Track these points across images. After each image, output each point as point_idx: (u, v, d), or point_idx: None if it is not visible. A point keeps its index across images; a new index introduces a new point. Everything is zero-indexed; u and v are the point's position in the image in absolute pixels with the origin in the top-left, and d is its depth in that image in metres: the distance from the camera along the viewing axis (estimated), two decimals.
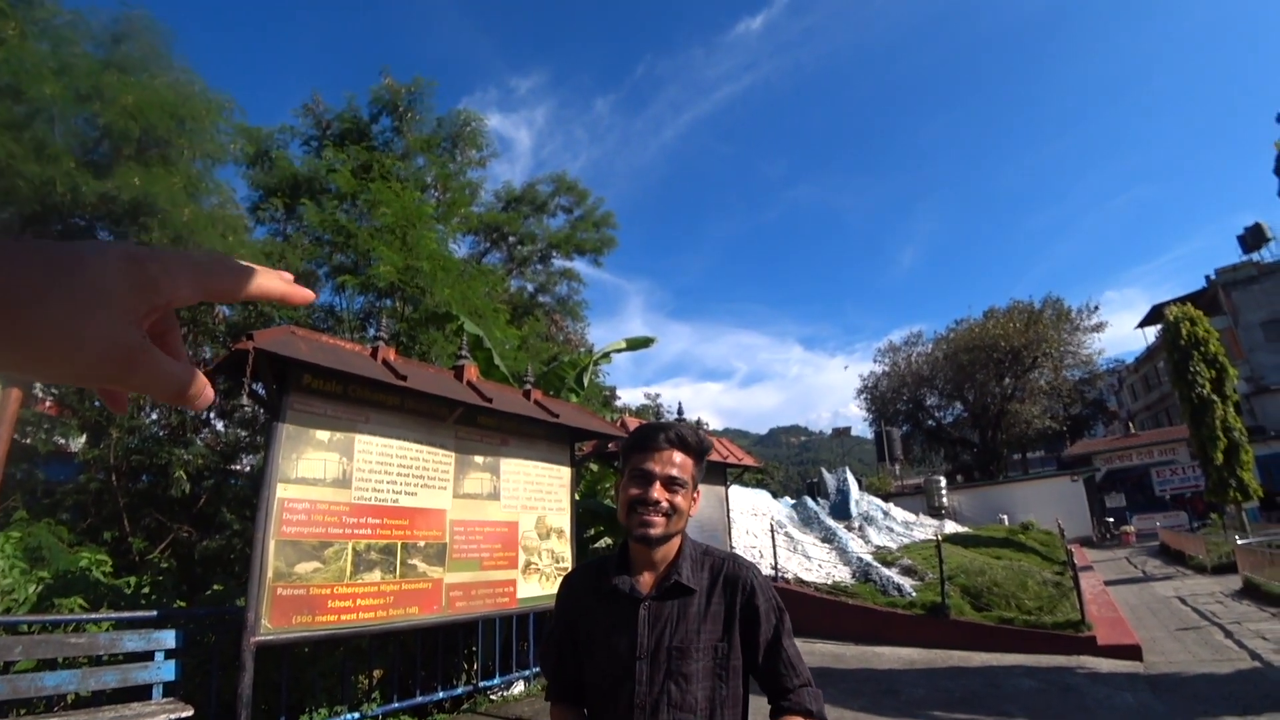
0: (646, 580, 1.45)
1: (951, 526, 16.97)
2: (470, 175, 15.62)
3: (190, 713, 3.60)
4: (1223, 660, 7.62)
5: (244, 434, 11.34)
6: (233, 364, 3.61)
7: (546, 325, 18.12)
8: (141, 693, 3.79)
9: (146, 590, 5.43)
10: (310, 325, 11.47)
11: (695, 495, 1.48)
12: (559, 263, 18.63)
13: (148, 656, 3.83)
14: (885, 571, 10.82)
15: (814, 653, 8.48)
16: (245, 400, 3.61)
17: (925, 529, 16.45)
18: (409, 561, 4.30)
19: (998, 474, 37.39)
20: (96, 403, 8.64)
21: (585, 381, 11.08)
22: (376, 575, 4.06)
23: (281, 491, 3.67)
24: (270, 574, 3.51)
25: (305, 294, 0.47)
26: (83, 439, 8.95)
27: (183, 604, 5.62)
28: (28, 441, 7.87)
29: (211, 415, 11.36)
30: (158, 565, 6.37)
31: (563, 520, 5.77)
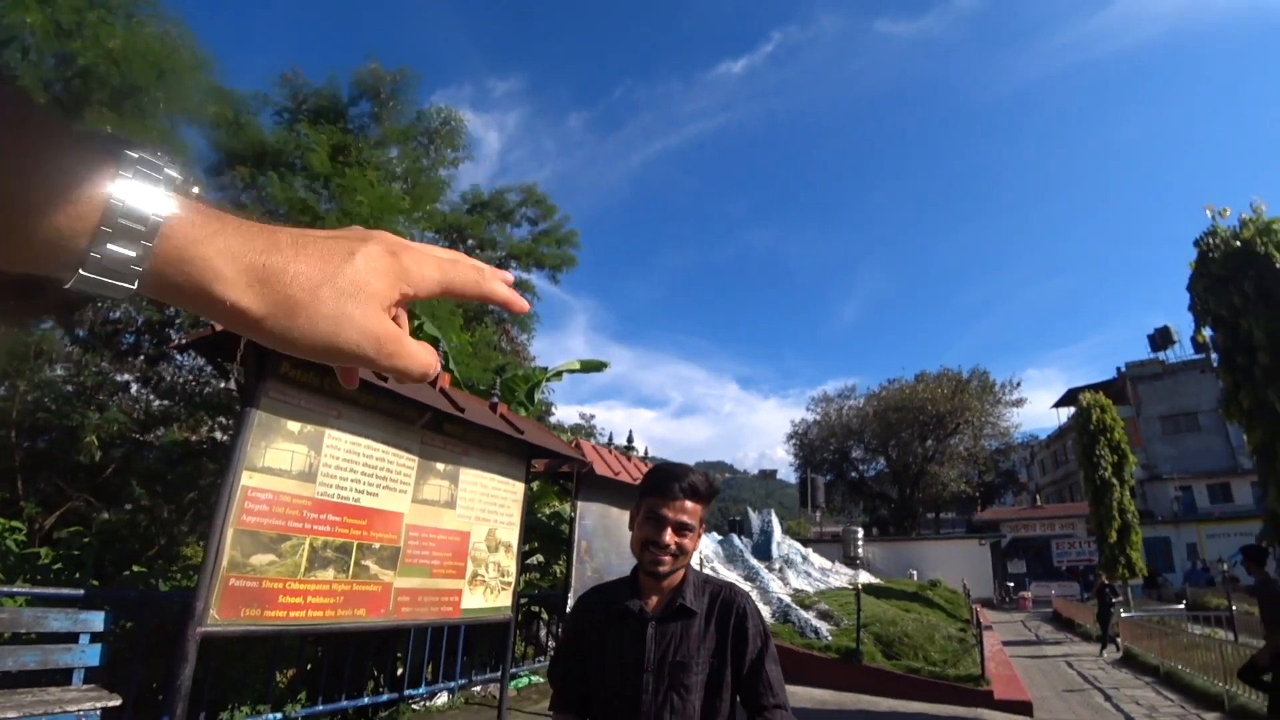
0: (654, 603, 1.64)
1: (865, 577, 17.55)
2: (441, 173, 15.43)
3: (118, 702, 3.41)
4: None
5: (168, 404, 10.75)
6: (211, 343, 3.51)
7: (496, 334, 17.94)
8: (60, 676, 3.57)
9: (58, 566, 5.08)
10: None
11: (701, 531, 1.68)
12: (517, 273, 18.49)
13: (71, 638, 3.60)
14: (803, 614, 11.14)
15: None
16: (233, 384, 3.50)
17: (840, 576, 16.99)
18: (363, 562, 4.21)
19: (912, 530, 39.07)
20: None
21: (535, 397, 11.07)
22: (330, 574, 3.96)
23: (247, 479, 3.56)
24: (225, 563, 3.38)
25: (523, 304, 0.51)
26: None
27: (96, 583, 5.28)
28: None
29: (130, 380, 10.76)
30: (75, 538, 5.95)
31: (512, 535, 5.75)
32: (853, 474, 43.26)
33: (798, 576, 15.00)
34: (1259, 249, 8.38)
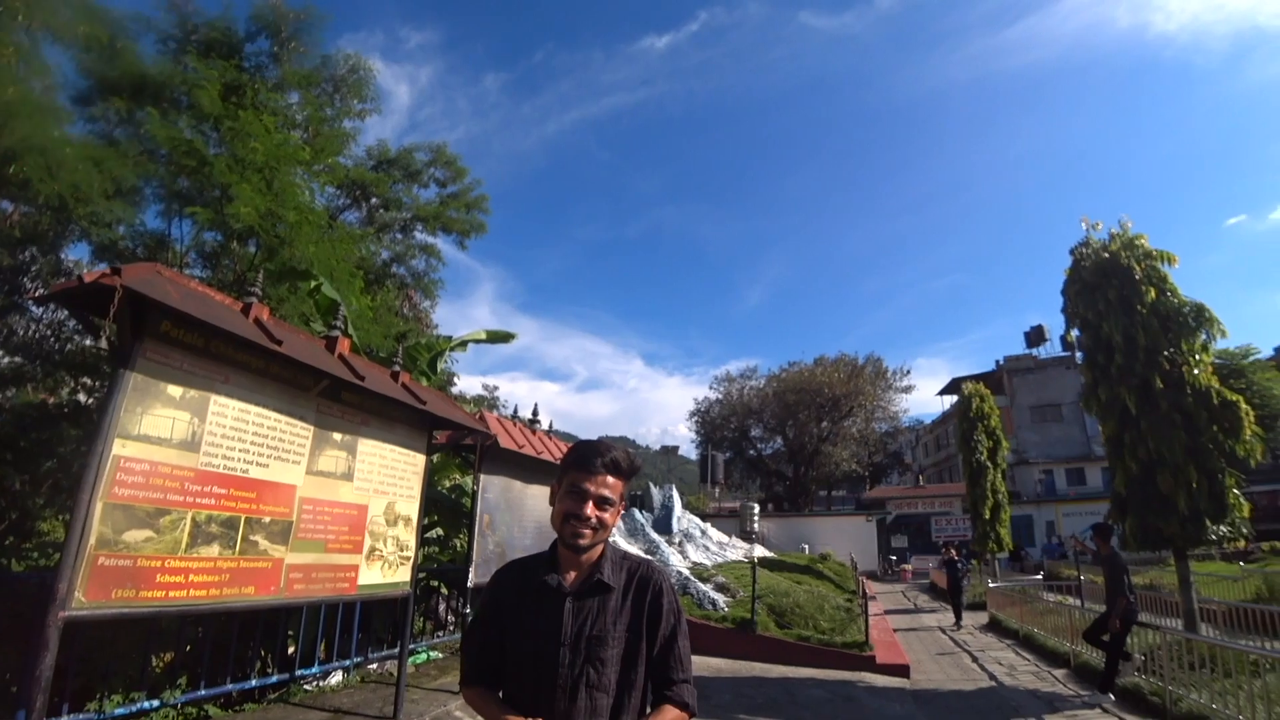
0: (571, 578, 1.66)
1: (760, 551, 18.36)
2: (345, 125, 14.47)
3: None
4: (969, 680, 9.08)
5: (16, 361, 9.61)
6: (78, 295, 3.12)
7: (398, 298, 17.18)
8: None
9: None
10: (133, 253, 10.04)
11: (620, 508, 1.71)
12: (421, 236, 17.72)
13: None
14: (702, 586, 11.51)
15: None
16: (103, 342, 3.13)
17: (737, 550, 17.65)
18: (251, 538, 3.93)
19: (805, 507, 41.17)
20: None
21: (439, 367, 10.75)
22: (215, 550, 3.67)
23: (119, 448, 3.21)
24: (93, 540, 3.04)
25: None
26: None
27: None
28: None
29: None
30: None
31: (411, 508, 5.56)
32: (751, 452, 44.96)
33: (696, 550, 15.47)
34: (1123, 261, 9.28)
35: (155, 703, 4.11)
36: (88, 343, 8.85)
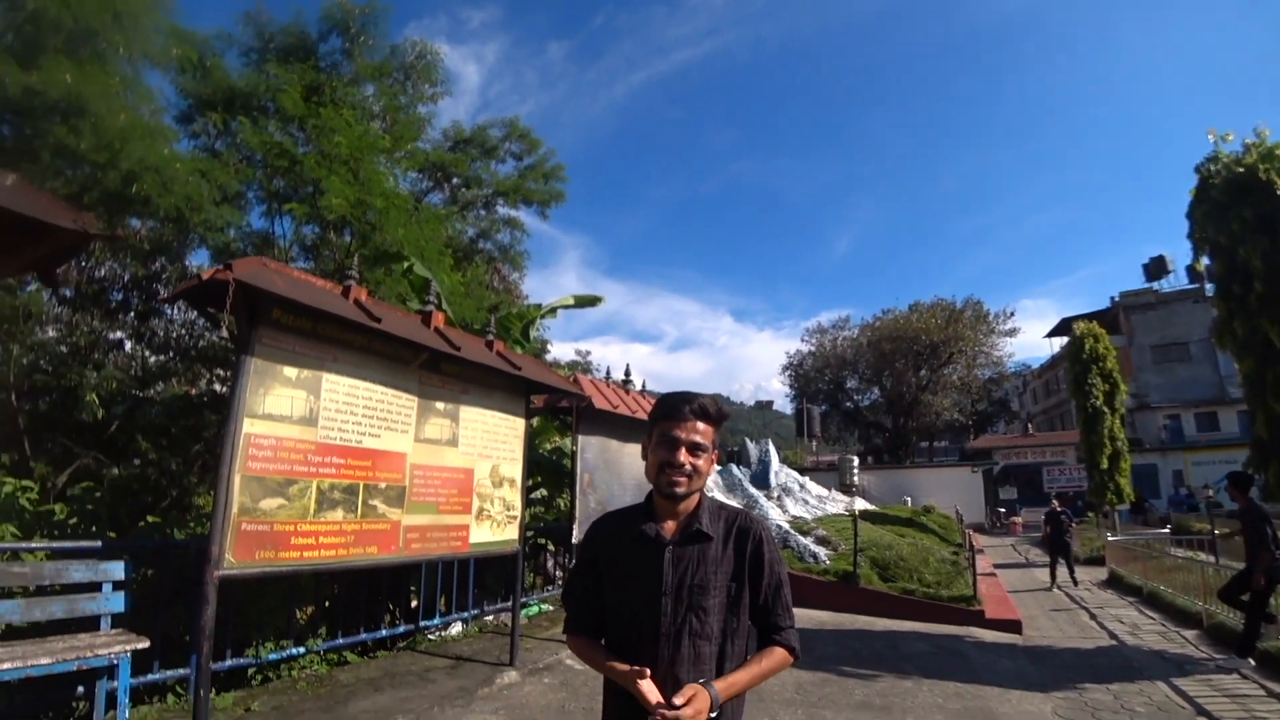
0: (670, 527, 1.66)
1: (860, 503, 18.02)
2: (420, 110, 14.94)
3: (147, 644, 3.55)
4: (1087, 638, 8.61)
5: (163, 359, 10.72)
6: (202, 293, 3.46)
7: (487, 272, 17.74)
8: (88, 624, 3.68)
9: (73, 520, 5.18)
10: (245, 251, 10.87)
11: (714, 456, 1.70)
12: (504, 210, 18.14)
13: (94, 588, 3.70)
14: (802, 540, 11.46)
15: None
16: (224, 334, 3.47)
17: (836, 504, 17.40)
18: (370, 502, 4.30)
19: (905, 459, 39.90)
20: None
21: (531, 334, 11.07)
22: (339, 514, 4.05)
23: (249, 426, 3.58)
24: (235, 509, 3.44)
25: None
26: None
27: (113, 535, 5.40)
28: None
29: (123, 336, 10.69)
30: (87, 494, 6.04)
31: (515, 470, 5.84)
32: (847, 404, 43.76)
33: (795, 504, 15.38)
34: (1261, 176, 8.15)
35: (301, 649, 4.64)
36: (215, 337, 9.71)
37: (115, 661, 3.41)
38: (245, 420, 3.58)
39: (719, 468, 17.39)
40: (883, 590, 9.82)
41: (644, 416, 7.65)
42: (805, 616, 8.77)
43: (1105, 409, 19.36)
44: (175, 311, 10.37)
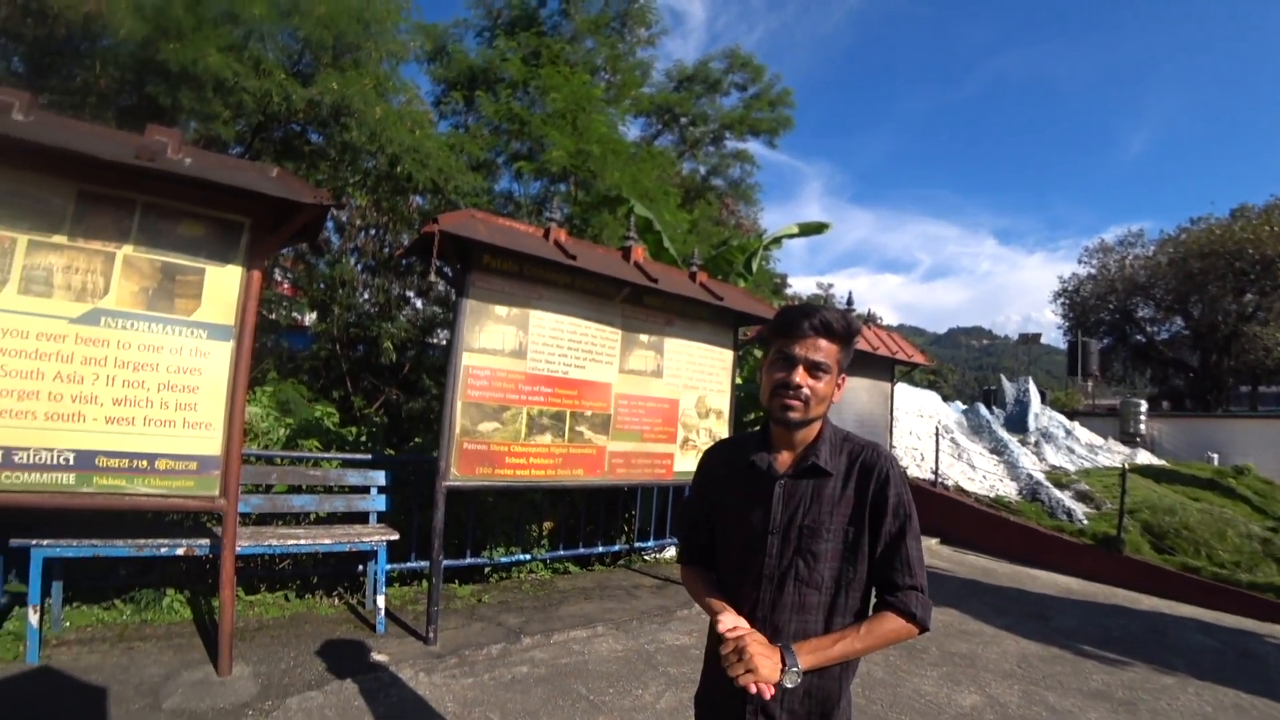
0: (784, 459, 1.50)
1: (1145, 457, 15.13)
2: (640, 55, 15.25)
3: (396, 536, 4.37)
4: None
5: (439, 311, 12.66)
6: (423, 246, 3.99)
7: (718, 209, 17.75)
8: (359, 518, 4.62)
9: (364, 440, 6.47)
10: (491, 210, 12.28)
11: (840, 381, 1.47)
12: (732, 144, 17.88)
13: (365, 490, 4.62)
14: (1056, 493, 10.05)
15: (964, 564, 8.24)
16: (434, 278, 4.02)
17: (1112, 455, 14.78)
18: (576, 428, 4.71)
19: (1216, 406, 32.09)
20: (322, 284, 9.94)
21: (754, 267, 10.85)
22: (547, 439, 4.51)
23: (467, 360, 4.12)
24: (458, 430, 4.03)
25: None
26: (312, 315, 10.49)
27: (391, 452, 6.64)
28: (272, 316, 9.37)
29: (411, 294, 12.77)
30: (372, 420, 7.54)
31: (722, 402, 5.92)
32: (1137, 337, 36.10)
33: (1057, 452, 13.46)
34: None
35: (527, 556, 5.34)
36: (443, 285, 11.13)
37: (375, 548, 4.25)
38: (464, 354, 4.12)
39: (963, 406, 15.83)
40: (1154, 563, 8.21)
41: (866, 348, 7.20)
42: (1049, 581, 7.70)
43: None
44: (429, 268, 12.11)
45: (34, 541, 3.27)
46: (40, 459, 2.96)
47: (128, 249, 3.15)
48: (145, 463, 3.15)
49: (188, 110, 6.44)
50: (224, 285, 3.34)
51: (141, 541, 3.51)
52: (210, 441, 3.29)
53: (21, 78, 6.83)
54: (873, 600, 1.48)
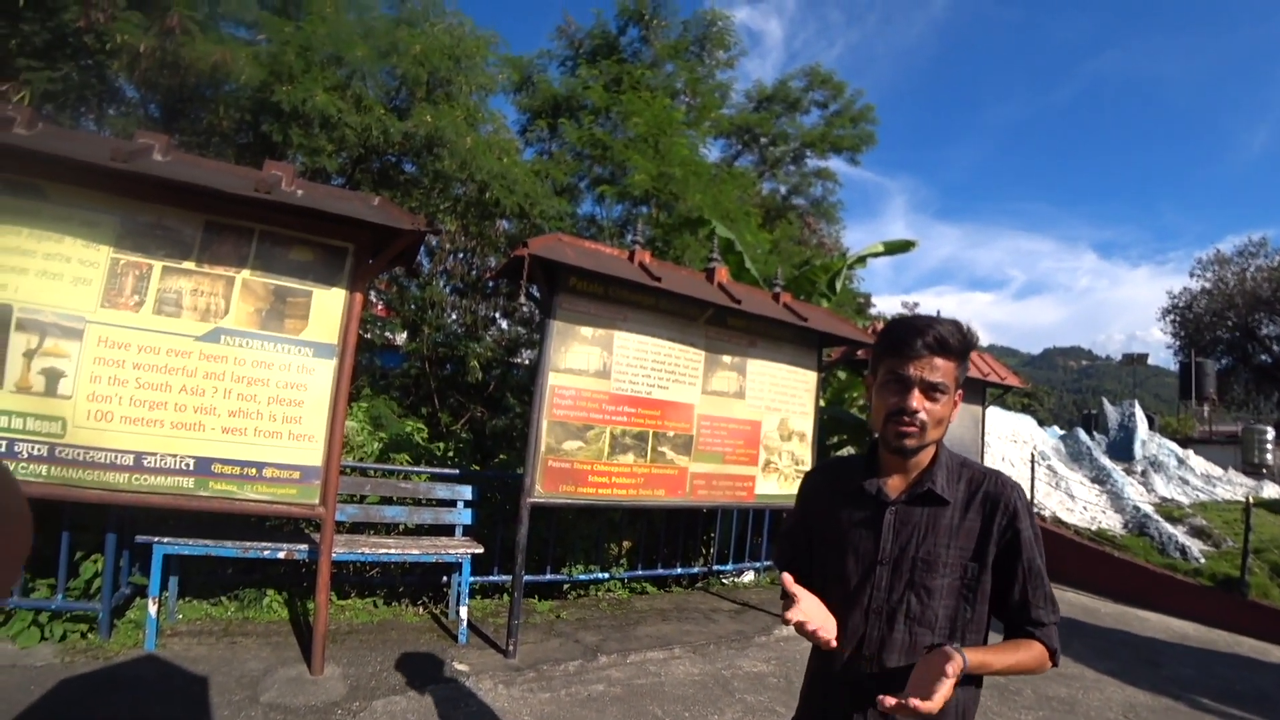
0: (895, 484, 1.40)
1: (1272, 490, 13.60)
2: (719, 76, 15.33)
3: (481, 550, 4.48)
4: None
5: (523, 331, 13.01)
6: (512, 269, 4.12)
7: (799, 229, 17.50)
8: (445, 530, 4.77)
9: (451, 455, 6.70)
10: (574, 233, 12.59)
11: (957, 398, 1.35)
12: (813, 162, 17.66)
13: (452, 504, 4.76)
14: (1168, 528, 9.18)
15: (1062, 600, 7.46)
16: (523, 300, 4.14)
17: (1233, 488, 13.37)
18: (658, 449, 4.69)
19: None
20: (413, 305, 10.43)
21: (838, 286, 10.62)
22: (630, 458, 4.52)
23: (553, 379, 4.19)
24: (543, 448, 4.10)
25: None
26: (404, 335, 11.02)
27: (477, 468, 6.83)
28: (367, 336, 9.92)
29: (496, 315, 13.20)
30: (459, 436, 7.81)
31: (805, 424, 5.76)
32: (1262, 357, 32.59)
33: (1168, 483, 12.33)
34: None
35: (605, 575, 5.35)
36: (529, 308, 11.43)
37: (460, 560, 4.35)
38: (550, 374, 4.19)
39: (1061, 432, 14.82)
40: None
41: None
42: (1159, 624, 6.98)
43: None
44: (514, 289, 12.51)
45: (156, 539, 3.56)
46: (166, 464, 3.24)
47: (246, 273, 3.41)
48: (254, 470, 3.38)
49: (296, 145, 6.95)
50: (329, 306, 3.55)
51: (247, 544, 3.75)
52: (313, 452, 3.49)
53: (157, 121, 7.59)
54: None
